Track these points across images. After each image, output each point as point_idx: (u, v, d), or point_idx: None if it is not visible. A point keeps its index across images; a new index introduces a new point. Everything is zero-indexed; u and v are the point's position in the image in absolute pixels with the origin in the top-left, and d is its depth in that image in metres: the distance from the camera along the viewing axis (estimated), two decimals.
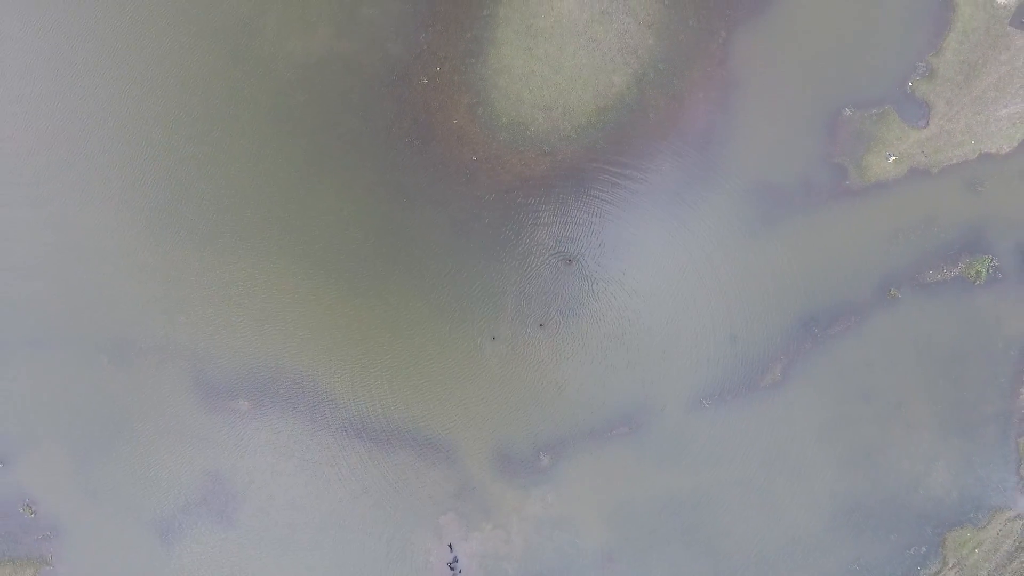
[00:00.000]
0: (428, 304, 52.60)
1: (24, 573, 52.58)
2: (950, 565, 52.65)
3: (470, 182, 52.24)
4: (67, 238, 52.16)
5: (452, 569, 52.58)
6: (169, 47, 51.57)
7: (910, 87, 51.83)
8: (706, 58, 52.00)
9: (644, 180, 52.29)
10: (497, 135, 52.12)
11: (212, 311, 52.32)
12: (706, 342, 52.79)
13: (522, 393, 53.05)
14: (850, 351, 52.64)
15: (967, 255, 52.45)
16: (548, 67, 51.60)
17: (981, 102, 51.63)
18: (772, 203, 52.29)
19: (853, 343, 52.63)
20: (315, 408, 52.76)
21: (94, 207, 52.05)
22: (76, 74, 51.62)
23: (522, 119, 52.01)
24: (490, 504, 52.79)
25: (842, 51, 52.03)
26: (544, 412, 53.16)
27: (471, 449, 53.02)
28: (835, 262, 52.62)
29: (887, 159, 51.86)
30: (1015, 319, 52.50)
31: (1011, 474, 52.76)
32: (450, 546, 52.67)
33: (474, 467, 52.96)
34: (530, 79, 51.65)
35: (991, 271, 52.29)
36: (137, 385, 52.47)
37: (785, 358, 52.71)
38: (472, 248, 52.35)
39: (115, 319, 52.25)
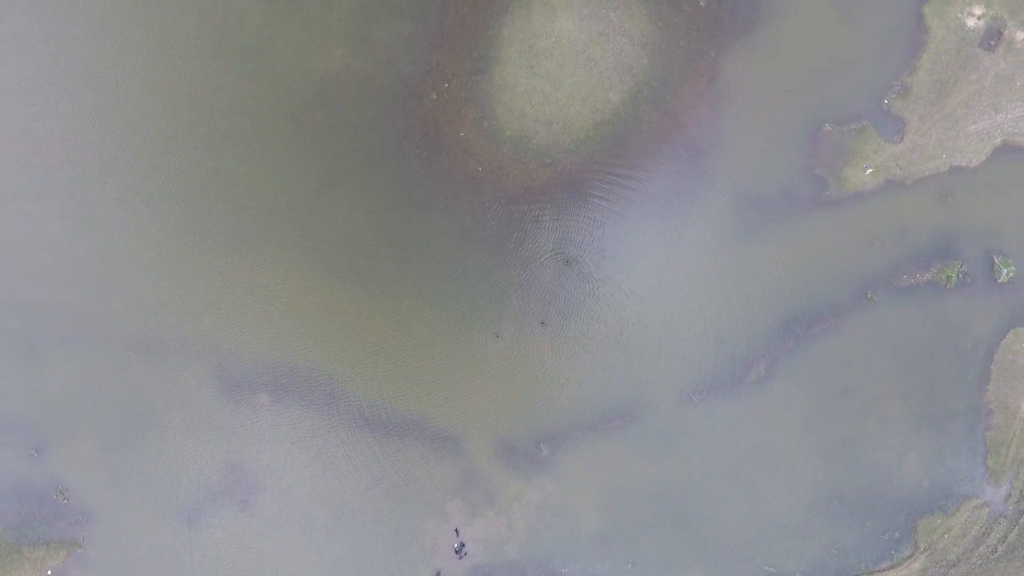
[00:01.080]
0: (436, 305, 53.66)
1: (57, 555, 54.05)
2: (921, 549, 53.60)
3: (476, 191, 53.51)
4: (100, 245, 53.50)
5: (458, 552, 53.86)
6: (196, 67, 52.92)
7: (886, 104, 52.90)
8: (697, 76, 53.20)
9: (639, 190, 53.48)
10: (501, 147, 53.48)
11: (236, 312, 53.51)
12: (696, 341, 53.80)
13: (524, 389, 54.14)
14: (829, 350, 53.40)
15: (938, 261, 53.20)
16: (549, 84, 53.06)
17: (952, 118, 52.75)
18: (758, 211, 53.32)
19: (832, 342, 53.37)
20: (330, 402, 53.97)
21: (126, 217, 53.32)
22: (110, 93, 53.00)
23: (525, 132, 53.39)
24: (494, 492, 54.02)
25: (823, 71, 53.01)
26: (544, 406, 54.16)
27: (476, 441, 54.20)
28: (816, 267, 53.43)
29: (864, 171, 52.98)
30: (982, 320, 53.29)
31: (978, 465, 53.66)
32: (456, 531, 53.87)
33: (479, 457, 54.13)
34: (532, 95, 53.14)
35: (960, 276, 53.01)
36: (164, 381, 53.70)
37: (769, 356, 53.64)
38: (478, 252, 53.60)
39: (144, 320, 53.53)
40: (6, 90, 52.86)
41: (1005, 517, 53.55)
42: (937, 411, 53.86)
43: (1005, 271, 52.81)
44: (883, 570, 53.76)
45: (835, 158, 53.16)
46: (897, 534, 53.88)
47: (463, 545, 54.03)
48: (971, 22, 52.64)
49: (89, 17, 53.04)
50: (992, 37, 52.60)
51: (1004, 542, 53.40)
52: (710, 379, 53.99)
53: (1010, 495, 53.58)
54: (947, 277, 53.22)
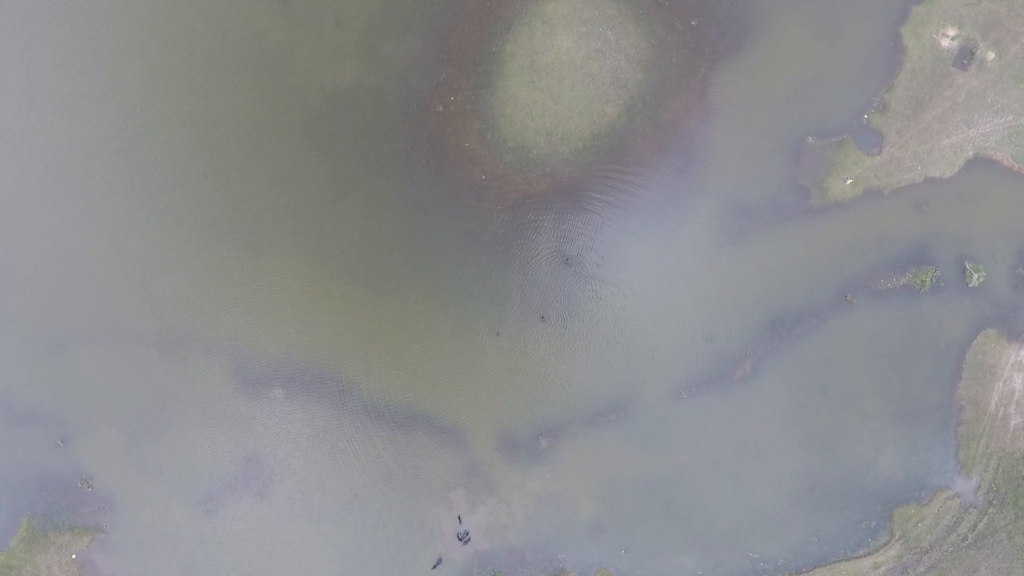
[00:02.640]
0: (442, 306, 55.20)
1: (81, 540, 55.46)
2: (896, 537, 54.64)
3: (480, 198, 55.20)
4: (125, 251, 55.38)
5: (461, 539, 55.15)
6: (218, 83, 54.88)
7: (865, 119, 54.52)
8: (688, 92, 54.96)
9: (634, 198, 55.10)
10: (504, 157, 55.23)
11: (253, 313, 55.23)
12: (686, 340, 55.15)
13: (524, 385, 55.53)
14: (811, 349, 54.70)
15: (914, 266, 54.57)
16: (549, 98, 54.87)
17: (927, 133, 54.37)
18: (745, 219, 54.84)
19: (814, 342, 54.66)
20: (341, 397, 55.42)
21: (150, 224, 55.25)
22: (136, 107, 55.11)
23: (526, 143, 55.14)
24: (495, 482, 55.27)
25: (806, 87, 54.62)
26: (543, 402, 55.44)
27: (479, 433, 55.51)
28: (799, 271, 54.71)
29: (845, 182, 54.57)
30: (955, 323, 54.50)
31: (950, 458, 54.80)
32: (459, 518, 55.17)
33: (481, 449, 55.40)
34: (533, 108, 54.93)
35: (935, 280, 54.39)
36: (184, 375, 55.31)
37: (754, 355, 54.93)
38: (481, 256, 55.22)
39: (166, 319, 55.26)
40: (39, 108, 55.22)
41: (975, 507, 54.94)
42: (912, 407, 55.01)
43: (976, 276, 54.34)
44: (860, 557, 54.85)
45: (817, 169, 54.74)
46: (874, 523, 54.99)
47: (467, 532, 55.32)
48: (945, 42, 54.57)
49: (116, 34, 55.03)
50: (965, 57, 54.57)
51: (974, 531, 54.82)
52: (699, 376, 55.29)
53: (980, 487, 54.89)
54: (922, 282, 54.70)
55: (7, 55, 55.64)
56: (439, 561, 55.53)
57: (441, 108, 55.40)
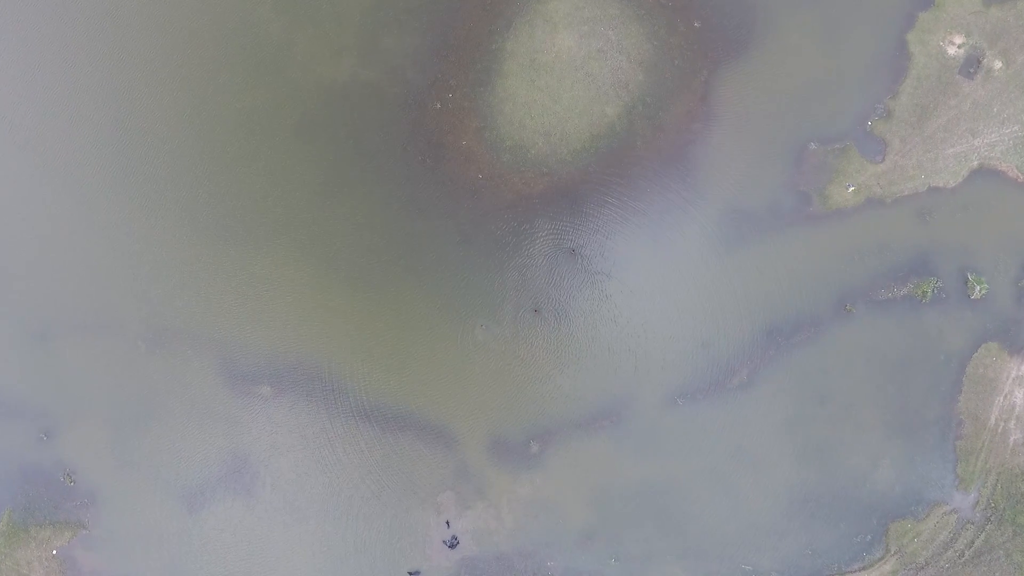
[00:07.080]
0: (436, 305, 54.85)
1: (63, 535, 55.13)
2: (892, 552, 54.38)
3: (476, 197, 54.81)
4: (115, 244, 55.01)
5: (450, 545, 54.71)
6: (215, 79, 54.76)
7: (869, 126, 54.12)
8: (689, 94, 54.59)
9: (632, 201, 54.68)
10: (501, 156, 54.89)
11: (243, 310, 54.92)
12: (682, 346, 54.72)
13: (517, 388, 55.21)
14: (809, 358, 54.28)
15: (915, 277, 54.10)
16: (548, 97, 54.56)
17: (931, 141, 53.99)
18: (744, 225, 54.38)
19: (812, 351, 54.23)
20: (330, 396, 55.07)
21: (143, 222, 54.95)
22: (131, 105, 55.05)
23: (524, 143, 54.83)
24: (484, 486, 54.87)
25: (810, 92, 54.17)
26: (536, 405, 55.08)
27: (469, 436, 55.12)
28: (798, 279, 54.14)
29: (847, 189, 54.26)
30: (955, 334, 53.94)
31: (948, 473, 54.46)
32: (447, 523, 54.80)
33: (471, 453, 54.98)
34: (532, 107, 54.62)
35: (936, 291, 53.99)
36: (171, 371, 54.91)
37: (751, 363, 54.46)
38: (477, 256, 54.82)
39: (154, 313, 54.94)
40: (34, 102, 55.17)
41: (972, 523, 54.64)
42: (910, 420, 54.54)
43: (978, 288, 53.96)
44: (855, 571, 54.48)
45: (819, 176, 54.35)
46: (869, 537, 54.63)
47: (455, 537, 54.91)
48: (951, 50, 54.21)
49: (113, 29, 54.93)
50: (971, 65, 54.19)
51: (971, 547, 54.49)
52: (695, 383, 54.85)
53: (978, 502, 54.55)
54: (923, 292, 54.34)
55: (3, 49, 55.31)
56: (417, 573, 55.04)
57: (439, 105, 55.02)
